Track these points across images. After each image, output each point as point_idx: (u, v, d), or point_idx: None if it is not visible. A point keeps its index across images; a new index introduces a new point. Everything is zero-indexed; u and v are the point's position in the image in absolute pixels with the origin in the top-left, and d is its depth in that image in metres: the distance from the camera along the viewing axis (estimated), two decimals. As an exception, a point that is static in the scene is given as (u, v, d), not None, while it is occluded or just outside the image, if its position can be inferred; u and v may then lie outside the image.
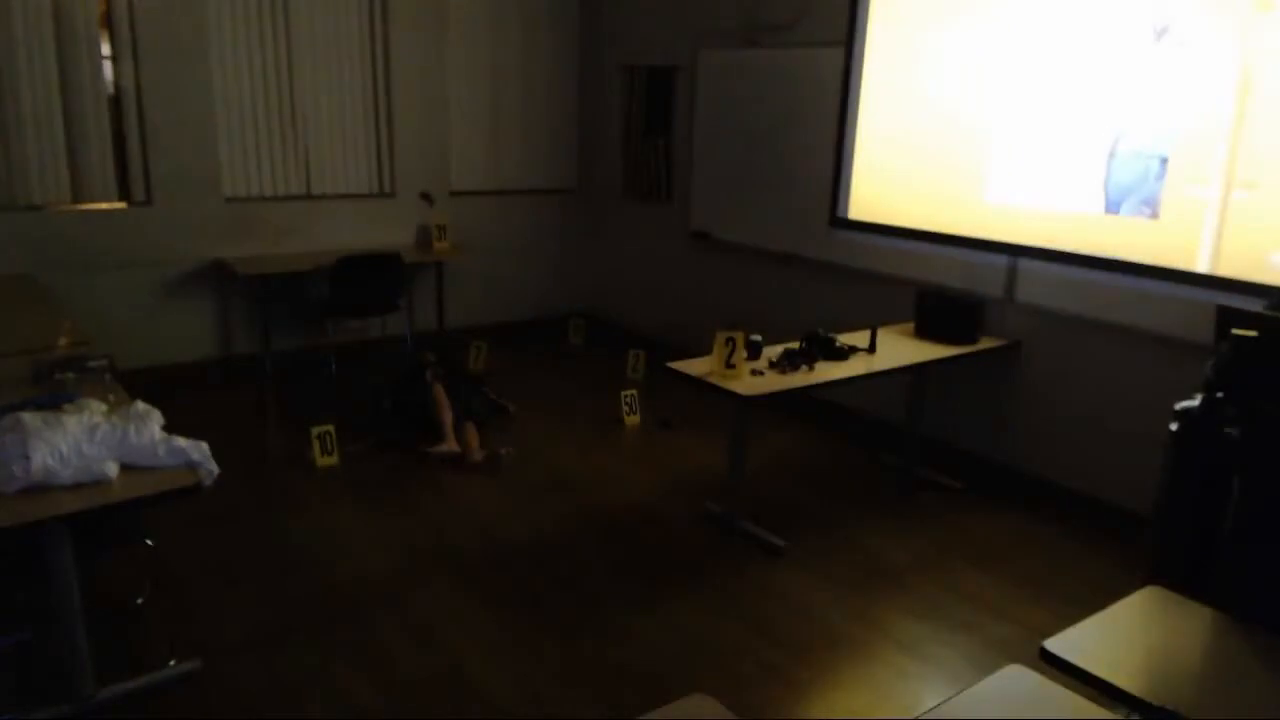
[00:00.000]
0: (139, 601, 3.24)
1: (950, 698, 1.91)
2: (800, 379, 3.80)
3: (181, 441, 2.61)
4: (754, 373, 3.80)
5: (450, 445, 4.61)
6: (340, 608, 3.30)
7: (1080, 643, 1.98)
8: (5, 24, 4.88)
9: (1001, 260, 4.48)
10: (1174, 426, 2.76)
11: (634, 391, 5.32)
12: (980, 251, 4.54)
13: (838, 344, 4.10)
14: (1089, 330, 4.20)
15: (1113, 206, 4.04)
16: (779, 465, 4.74)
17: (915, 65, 4.77)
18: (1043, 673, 1.95)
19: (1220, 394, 2.63)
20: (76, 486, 2.42)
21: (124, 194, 5.45)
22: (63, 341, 3.61)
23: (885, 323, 4.48)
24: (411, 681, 2.90)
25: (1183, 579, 2.33)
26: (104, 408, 2.73)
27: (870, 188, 5.09)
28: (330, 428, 4.52)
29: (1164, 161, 3.83)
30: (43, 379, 3.14)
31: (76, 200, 5.29)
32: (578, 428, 5.18)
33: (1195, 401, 2.71)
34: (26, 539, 2.46)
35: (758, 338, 3.99)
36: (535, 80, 6.94)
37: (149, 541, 3.33)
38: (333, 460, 4.50)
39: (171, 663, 2.87)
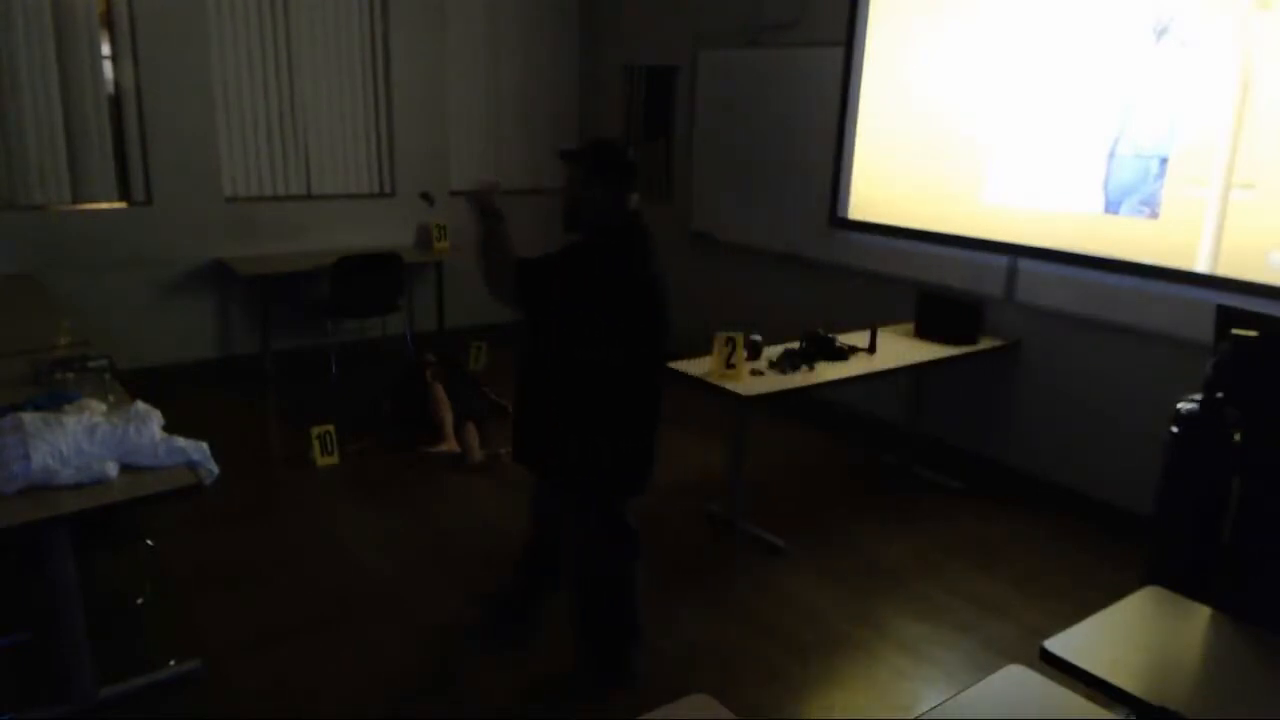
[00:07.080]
0: (139, 601, 3.24)
1: (950, 698, 1.91)
2: (800, 379, 3.80)
3: (181, 441, 2.61)
4: (754, 373, 3.80)
5: (450, 445, 4.61)
6: (340, 608, 3.30)
7: (1080, 643, 1.98)
8: (5, 24, 4.88)
9: (1001, 260, 4.48)
10: (1174, 427, 2.76)
11: (634, 391, 5.30)
12: (980, 251, 4.55)
13: (838, 344, 4.10)
14: (1089, 330, 4.20)
15: (1112, 206, 4.04)
16: (779, 465, 4.74)
17: (915, 65, 4.77)
18: (1043, 673, 1.95)
19: (1220, 394, 2.63)
20: (76, 486, 2.42)
21: (124, 194, 5.46)
22: (63, 341, 3.61)
23: (885, 323, 4.48)
24: (411, 681, 2.90)
25: (1183, 579, 2.33)
26: (104, 408, 2.73)
27: (870, 188, 5.09)
28: (330, 428, 4.51)
29: (1164, 161, 3.83)
30: (43, 379, 3.14)
31: (76, 200, 5.30)
32: (578, 428, 5.16)
33: (1195, 402, 2.72)
34: (26, 539, 2.46)
35: (758, 338, 3.99)
36: (535, 80, 6.95)
37: (149, 541, 3.34)
38: (333, 460, 4.50)
39: (171, 663, 2.87)
